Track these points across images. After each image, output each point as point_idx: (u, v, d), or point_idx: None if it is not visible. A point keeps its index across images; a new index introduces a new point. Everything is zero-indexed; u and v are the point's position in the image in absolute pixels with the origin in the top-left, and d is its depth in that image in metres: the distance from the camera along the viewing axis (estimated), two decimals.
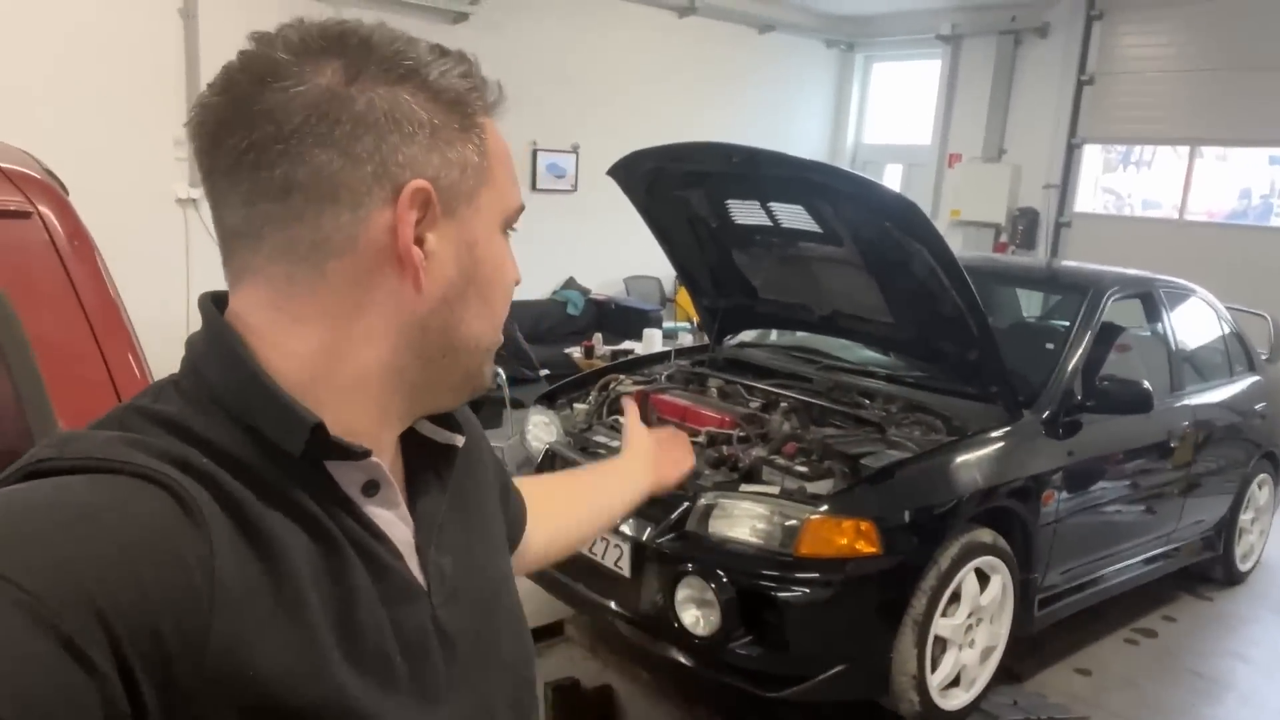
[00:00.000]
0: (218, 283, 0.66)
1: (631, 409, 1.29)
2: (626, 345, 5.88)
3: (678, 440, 1.26)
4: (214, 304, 0.65)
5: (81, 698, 0.47)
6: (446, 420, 0.74)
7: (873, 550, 2.61)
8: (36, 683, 0.45)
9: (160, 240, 5.53)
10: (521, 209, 0.71)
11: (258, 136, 0.58)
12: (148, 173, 5.54)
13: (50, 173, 1.44)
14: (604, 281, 8.21)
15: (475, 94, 0.65)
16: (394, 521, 0.67)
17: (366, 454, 0.63)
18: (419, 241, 0.62)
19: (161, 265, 5.32)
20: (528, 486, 0.99)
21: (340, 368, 0.63)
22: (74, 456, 0.54)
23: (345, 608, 0.60)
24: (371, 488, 0.65)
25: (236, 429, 0.59)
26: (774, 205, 3.20)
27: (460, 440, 0.74)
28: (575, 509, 1.10)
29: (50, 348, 1.31)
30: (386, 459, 0.67)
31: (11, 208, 1.31)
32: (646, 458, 1.20)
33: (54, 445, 0.56)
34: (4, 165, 1.35)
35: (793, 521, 2.61)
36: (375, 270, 0.61)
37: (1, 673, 0.44)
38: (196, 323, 0.66)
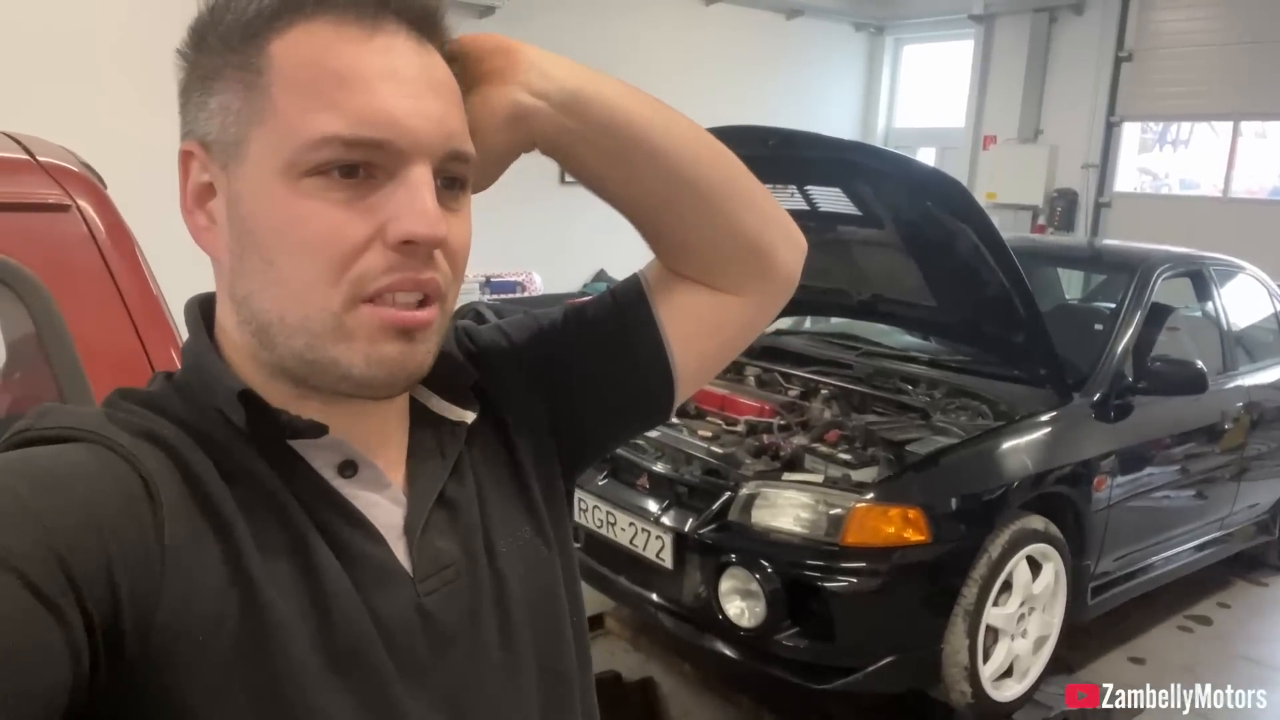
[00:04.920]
0: None
1: None
2: None
3: None
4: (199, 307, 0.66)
5: (51, 647, 0.46)
6: (461, 395, 0.70)
7: (921, 539, 2.55)
8: (10, 630, 0.45)
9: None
10: (335, 139, 0.54)
11: None
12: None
13: (88, 166, 1.42)
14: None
15: (264, 18, 0.57)
16: (379, 503, 0.63)
17: (320, 431, 0.59)
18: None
19: (198, 268, 5.37)
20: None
21: (227, 340, 0.62)
22: (46, 427, 0.56)
23: (310, 593, 0.57)
24: (348, 468, 0.62)
25: (208, 410, 0.60)
26: (811, 188, 3.13)
27: (470, 417, 0.69)
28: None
29: (91, 341, 1.29)
30: (361, 437, 0.63)
31: (50, 200, 1.29)
32: None
33: (31, 417, 0.57)
34: (42, 159, 1.33)
35: (838, 510, 2.55)
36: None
37: None
38: None
